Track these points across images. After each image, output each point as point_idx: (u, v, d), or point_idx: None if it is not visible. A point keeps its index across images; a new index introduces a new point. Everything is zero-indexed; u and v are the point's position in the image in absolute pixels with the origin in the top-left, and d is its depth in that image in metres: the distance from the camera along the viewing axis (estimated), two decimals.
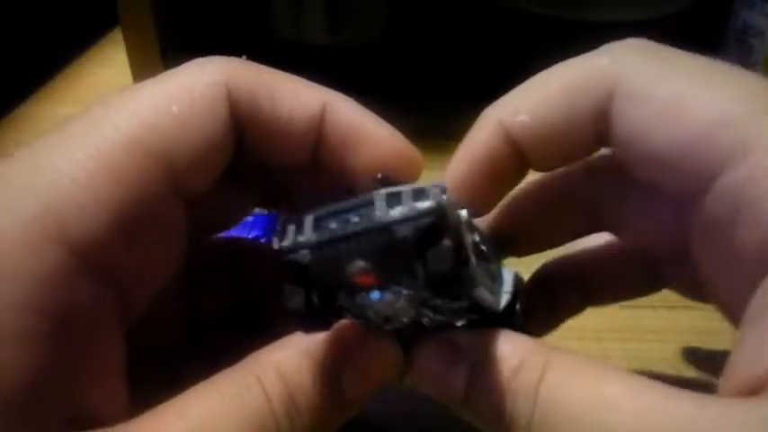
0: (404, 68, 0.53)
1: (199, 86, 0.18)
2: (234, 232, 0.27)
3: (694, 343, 0.30)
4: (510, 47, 0.49)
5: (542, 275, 0.24)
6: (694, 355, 0.29)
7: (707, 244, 0.18)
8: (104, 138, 0.16)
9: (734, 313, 0.18)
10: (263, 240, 0.25)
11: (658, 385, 0.15)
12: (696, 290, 0.21)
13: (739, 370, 0.15)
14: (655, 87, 0.18)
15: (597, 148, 0.20)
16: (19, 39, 0.54)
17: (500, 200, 0.21)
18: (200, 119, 0.18)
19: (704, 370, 0.29)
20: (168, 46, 0.47)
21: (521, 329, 0.18)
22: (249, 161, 0.20)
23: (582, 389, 0.15)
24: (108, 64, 0.56)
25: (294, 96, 0.19)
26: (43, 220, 0.15)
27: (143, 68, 0.47)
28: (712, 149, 0.16)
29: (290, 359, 0.17)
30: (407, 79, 0.52)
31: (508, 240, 0.22)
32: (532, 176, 0.22)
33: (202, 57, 0.20)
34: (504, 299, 0.19)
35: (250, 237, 0.32)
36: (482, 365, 0.17)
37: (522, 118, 0.19)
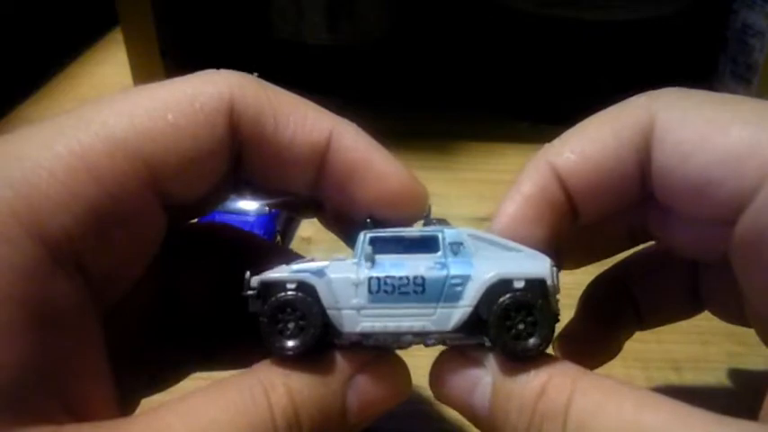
0: (403, 68, 0.53)
1: (201, 97, 0.18)
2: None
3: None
4: (510, 47, 0.49)
5: (593, 296, 0.24)
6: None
7: (745, 262, 0.18)
8: (89, 134, 0.16)
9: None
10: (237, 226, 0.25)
11: (701, 413, 0.15)
12: (734, 311, 0.21)
13: None
14: (689, 116, 0.18)
15: (639, 193, 0.19)
16: (19, 39, 0.54)
17: (550, 241, 0.20)
18: (194, 130, 0.17)
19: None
20: (168, 46, 0.47)
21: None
22: (245, 177, 0.19)
23: (619, 416, 0.15)
24: (108, 64, 0.56)
25: (300, 121, 0.19)
26: (19, 213, 0.15)
27: (143, 68, 0.47)
28: (746, 169, 0.17)
29: (298, 377, 0.17)
30: (407, 79, 0.52)
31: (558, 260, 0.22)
32: None
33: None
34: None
35: None
36: (506, 385, 0.17)
37: (568, 155, 0.19)
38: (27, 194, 0.15)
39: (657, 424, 0.15)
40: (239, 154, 0.18)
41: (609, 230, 0.22)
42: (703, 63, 0.51)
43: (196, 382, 0.24)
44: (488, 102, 0.50)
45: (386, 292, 0.18)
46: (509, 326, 0.17)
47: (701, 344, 0.31)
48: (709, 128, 0.18)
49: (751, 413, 0.16)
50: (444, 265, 0.18)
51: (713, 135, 0.18)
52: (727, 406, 0.21)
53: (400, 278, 0.18)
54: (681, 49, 0.49)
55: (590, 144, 0.19)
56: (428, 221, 0.20)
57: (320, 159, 0.19)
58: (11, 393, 0.14)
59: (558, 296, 0.18)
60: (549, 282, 0.18)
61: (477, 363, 0.18)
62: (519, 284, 0.18)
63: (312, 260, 0.19)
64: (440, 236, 0.19)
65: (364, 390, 0.18)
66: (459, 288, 0.18)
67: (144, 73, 0.46)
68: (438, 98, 0.51)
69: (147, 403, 0.22)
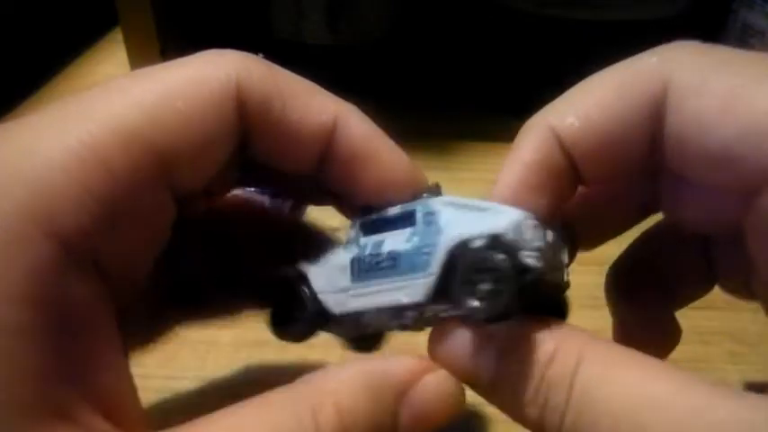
0: (404, 69, 0.53)
1: (209, 82, 0.17)
2: None
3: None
4: (510, 47, 0.49)
5: (620, 280, 0.23)
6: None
7: (761, 243, 0.17)
8: (100, 126, 0.16)
9: None
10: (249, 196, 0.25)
11: (706, 385, 0.14)
12: (746, 288, 0.20)
13: None
14: (708, 81, 0.16)
15: (647, 158, 0.18)
16: (19, 39, 0.54)
17: (551, 215, 0.19)
18: (204, 118, 0.17)
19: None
20: (168, 46, 0.47)
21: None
22: (251, 159, 0.19)
23: (624, 385, 0.15)
24: (108, 63, 0.56)
25: (307, 104, 0.18)
26: (34, 212, 0.15)
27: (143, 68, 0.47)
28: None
29: (349, 390, 0.16)
30: (407, 79, 0.52)
31: (572, 234, 0.21)
32: None
33: (205, 51, 0.19)
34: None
35: None
36: (512, 350, 0.16)
37: (572, 121, 0.18)
38: (41, 193, 0.15)
39: (661, 394, 0.14)
40: (245, 135, 0.18)
41: (620, 205, 0.21)
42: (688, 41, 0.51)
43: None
44: (488, 102, 0.50)
45: (366, 271, 0.18)
46: (472, 290, 0.16)
47: (701, 344, 0.31)
48: (732, 95, 0.16)
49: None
50: (413, 236, 0.18)
51: (736, 104, 0.16)
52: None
53: (376, 255, 0.18)
54: None
55: (595, 109, 0.18)
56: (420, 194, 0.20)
57: (326, 142, 0.19)
58: (37, 400, 0.14)
59: (549, 256, 0.17)
60: (508, 236, 0.16)
61: (484, 329, 0.17)
62: (479, 243, 0.17)
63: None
64: (417, 208, 0.19)
65: (419, 406, 0.17)
66: (426, 257, 0.17)
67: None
68: (438, 98, 0.51)
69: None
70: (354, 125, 0.19)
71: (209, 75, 0.17)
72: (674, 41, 0.18)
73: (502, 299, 0.16)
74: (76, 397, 0.15)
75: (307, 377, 0.17)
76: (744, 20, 0.48)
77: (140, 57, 0.47)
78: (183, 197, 0.18)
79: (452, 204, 0.18)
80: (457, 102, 0.51)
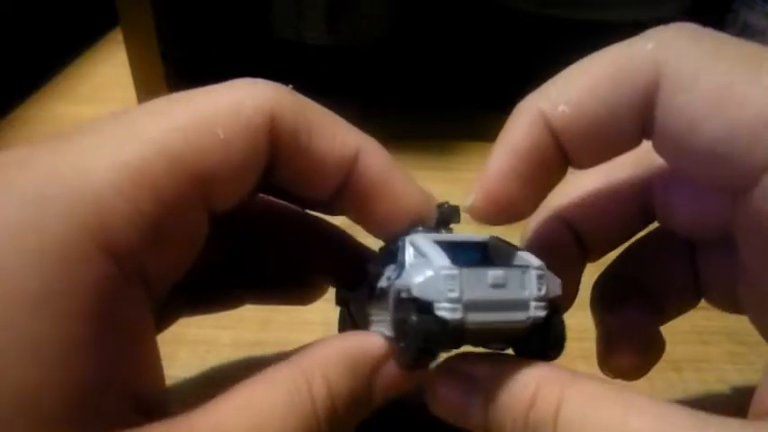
0: (404, 69, 0.53)
1: (246, 112, 0.18)
2: None
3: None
4: (510, 47, 0.49)
5: (606, 293, 0.24)
6: None
7: (751, 243, 0.18)
8: (149, 150, 0.17)
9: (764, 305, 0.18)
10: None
11: (687, 414, 0.15)
12: (733, 301, 0.21)
13: None
14: (700, 75, 0.16)
15: (638, 143, 0.19)
16: (19, 39, 0.54)
17: (541, 198, 0.20)
18: (241, 145, 0.18)
19: None
20: (168, 46, 0.47)
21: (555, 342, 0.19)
22: (273, 182, 0.20)
23: (606, 423, 0.15)
24: (108, 63, 0.56)
25: (332, 136, 0.20)
26: (93, 230, 0.16)
27: (143, 68, 0.47)
28: (763, 143, 0.15)
29: (335, 367, 0.18)
30: (408, 80, 0.52)
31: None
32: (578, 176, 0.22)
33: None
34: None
35: None
36: (498, 397, 0.17)
37: (563, 108, 0.18)
38: (98, 212, 0.16)
39: (644, 427, 0.15)
40: (272, 161, 0.19)
41: (621, 212, 0.22)
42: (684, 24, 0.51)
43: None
44: (488, 102, 0.50)
45: (376, 299, 0.20)
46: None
47: (701, 344, 0.31)
48: (723, 92, 0.16)
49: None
50: (393, 273, 0.19)
51: (727, 101, 0.16)
52: (727, 406, 0.21)
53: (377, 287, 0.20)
54: None
55: (587, 96, 0.18)
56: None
57: (346, 172, 0.20)
58: (93, 405, 0.15)
59: (449, 305, 0.17)
60: (417, 290, 0.17)
61: (469, 377, 0.18)
62: (403, 295, 0.18)
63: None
64: (398, 245, 0.20)
65: (391, 376, 0.19)
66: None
67: (144, 73, 0.46)
68: (438, 98, 0.51)
69: None
70: (374, 159, 0.20)
71: (246, 104, 0.18)
72: (671, 24, 0.18)
73: (408, 350, 0.18)
74: (124, 398, 0.16)
75: (293, 356, 0.18)
76: (744, 20, 0.48)
77: (140, 57, 0.47)
78: (215, 214, 0.19)
79: (426, 243, 0.19)
80: (457, 102, 0.51)
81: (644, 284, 0.23)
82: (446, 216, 0.21)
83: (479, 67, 0.52)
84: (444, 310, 0.17)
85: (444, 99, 0.51)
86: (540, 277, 0.18)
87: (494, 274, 0.18)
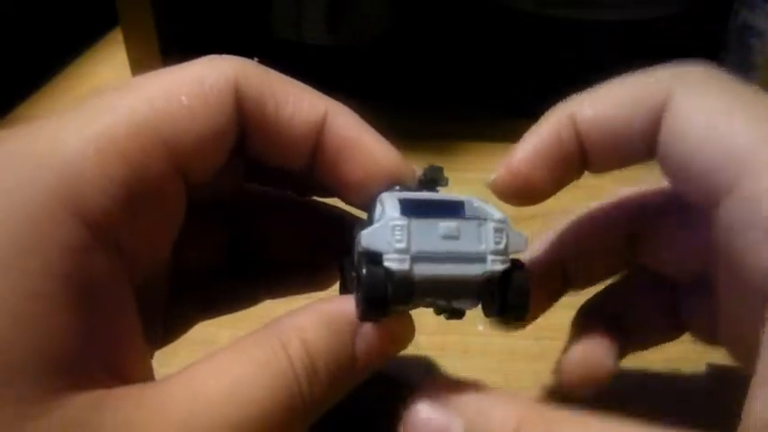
0: (404, 69, 0.53)
1: (209, 80, 0.19)
2: None
3: None
4: (510, 47, 0.49)
5: (582, 325, 0.24)
6: None
7: (722, 266, 0.19)
8: (115, 119, 0.17)
9: (743, 350, 0.18)
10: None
11: None
12: (712, 332, 0.22)
13: (760, 414, 0.15)
14: (703, 102, 0.19)
15: (647, 157, 0.21)
16: (19, 39, 0.54)
17: (557, 189, 0.22)
18: (207, 110, 0.19)
19: None
20: (168, 46, 0.47)
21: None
22: (247, 158, 0.21)
23: None
24: (108, 64, 0.56)
25: (298, 102, 0.20)
26: (61, 194, 0.16)
27: (143, 68, 0.47)
28: (733, 164, 0.18)
29: (311, 326, 0.18)
30: (407, 79, 0.52)
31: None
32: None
33: (204, 56, 0.20)
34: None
35: None
36: (478, 429, 0.17)
37: (588, 111, 0.21)
38: (67, 178, 0.16)
39: None
40: (243, 133, 0.20)
41: (606, 251, 0.23)
42: (704, 63, 0.51)
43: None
44: (488, 102, 0.50)
45: None
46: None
47: (701, 343, 0.31)
48: (718, 117, 0.18)
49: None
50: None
51: (717, 124, 0.18)
52: (726, 406, 0.21)
53: None
54: (681, 49, 0.49)
55: (609, 105, 0.21)
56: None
57: (316, 137, 0.20)
58: (63, 360, 0.16)
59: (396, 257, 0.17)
60: (363, 241, 0.18)
61: (448, 409, 0.18)
62: (358, 248, 0.18)
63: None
64: (377, 199, 0.20)
65: (371, 338, 0.19)
66: None
67: (144, 73, 0.46)
68: (438, 98, 0.51)
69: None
70: (342, 120, 0.21)
71: (209, 74, 0.19)
72: (691, 62, 0.21)
73: (359, 301, 0.18)
74: (98, 362, 0.17)
75: (273, 321, 0.19)
76: (744, 20, 0.48)
77: (140, 57, 0.47)
78: (195, 186, 0.19)
79: (390, 199, 0.19)
80: (457, 102, 0.51)
81: (624, 319, 0.24)
82: (431, 176, 0.21)
83: (479, 66, 0.52)
84: (391, 261, 0.17)
85: (444, 99, 0.51)
86: (498, 230, 0.18)
87: (446, 225, 0.18)
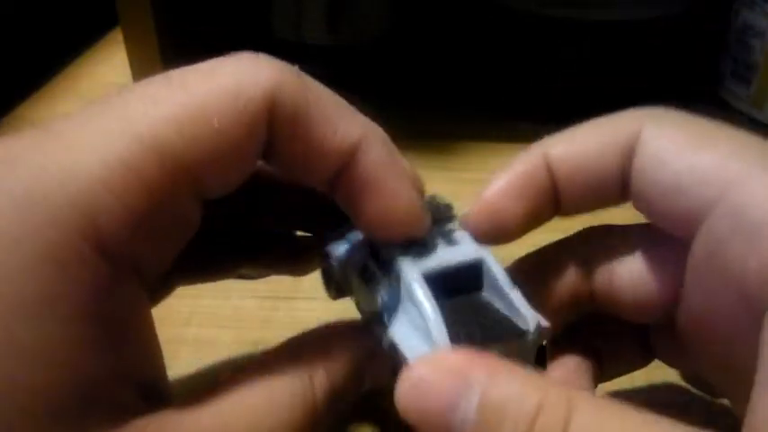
0: (404, 69, 0.53)
1: (246, 95, 0.17)
2: None
3: None
4: (510, 47, 0.49)
5: (558, 350, 0.24)
6: None
7: (703, 280, 0.19)
8: (139, 144, 0.16)
9: (730, 362, 0.18)
10: None
11: None
12: (682, 357, 0.23)
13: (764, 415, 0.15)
14: (673, 131, 0.20)
15: (619, 199, 0.21)
16: (19, 39, 0.54)
17: (529, 226, 0.22)
18: (238, 134, 0.17)
19: None
20: (168, 46, 0.47)
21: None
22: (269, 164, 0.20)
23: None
24: (108, 64, 0.56)
25: (332, 124, 0.19)
26: (85, 230, 0.15)
27: (143, 68, 0.47)
28: (713, 182, 0.18)
29: (335, 361, 0.19)
30: (407, 80, 0.52)
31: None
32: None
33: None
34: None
35: None
36: (498, 402, 0.15)
37: (560, 147, 0.21)
38: (89, 213, 0.16)
39: None
40: (269, 146, 0.19)
41: (554, 301, 0.23)
42: (704, 63, 0.51)
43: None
44: (488, 102, 0.50)
45: None
46: None
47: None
48: (691, 141, 0.19)
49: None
50: (384, 308, 0.21)
51: (693, 147, 0.19)
52: (727, 405, 0.21)
53: None
54: (681, 49, 0.49)
55: (581, 139, 0.21)
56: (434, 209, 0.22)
57: (345, 162, 0.19)
58: (100, 400, 0.16)
59: None
60: (408, 363, 0.18)
61: (460, 375, 0.15)
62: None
63: None
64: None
65: (379, 365, 0.20)
66: None
67: (144, 73, 0.46)
68: (438, 98, 0.51)
69: None
70: (374, 155, 0.19)
71: (246, 88, 0.17)
72: (658, 107, 0.21)
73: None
74: (132, 390, 0.17)
75: (293, 348, 0.20)
76: (744, 20, 0.48)
77: (140, 57, 0.47)
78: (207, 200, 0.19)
79: (422, 294, 0.19)
80: (457, 102, 0.51)
81: (597, 345, 0.24)
82: (439, 216, 0.21)
83: (479, 66, 0.52)
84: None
85: (444, 99, 0.51)
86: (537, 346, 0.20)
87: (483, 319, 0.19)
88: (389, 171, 0.19)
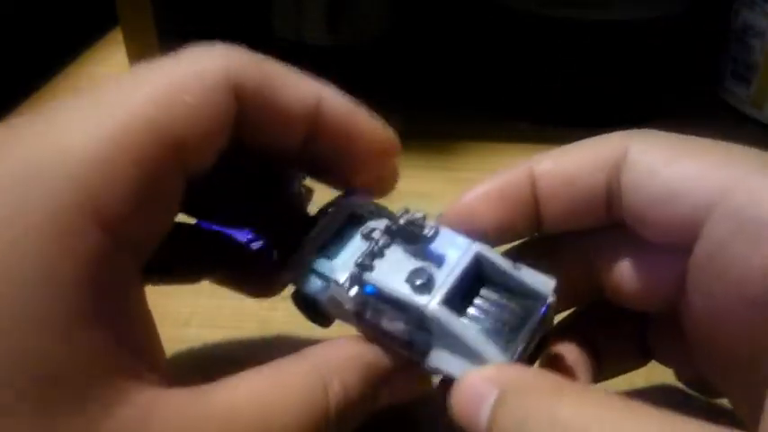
0: (404, 69, 0.53)
1: (209, 75, 0.19)
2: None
3: None
4: (510, 47, 0.49)
5: (556, 347, 0.24)
6: None
7: (704, 283, 0.19)
8: (125, 122, 0.17)
9: (731, 362, 0.19)
10: None
11: (662, 414, 0.15)
12: (680, 358, 0.23)
13: None
14: (661, 144, 0.20)
15: (602, 218, 0.21)
16: (19, 38, 0.54)
17: (502, 238, 0.22)
18: (210, 108, 0.19)
19: None
20: (168, 46, 0.47)
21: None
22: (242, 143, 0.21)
23: (583, 411, 0.16)
24: (108, 63, 0.56)
25: (293, 87, 0.21)
26: (82, 204, 0.16)
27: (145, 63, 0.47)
28: (707, 188, 0.18)
29: (351, 373, 0.20)
30: (408, 80, 0.52)
31: None
32: None
33: (197, 44, 0.21)
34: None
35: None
36: (508, 399, 0.17)
37: (546, 162, 0.22)
38: (85, 186, 0.16)
39: (606, 415, 0.15)
40: (239, 119, 0.20)
41: (569, 283, 0.23)
42: (704, 63, 0.51)
43: None
44: (488, 102, 0.50)
45: None
46: None
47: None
48: (680, 152, 0.20)
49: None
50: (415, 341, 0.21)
51: (679, 158, 0.19)
52: (727, 405, 0.21)
53: None
54: (681, 49, 0.49)
55: (567, 157, 0.22)
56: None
57: (311, 121, 0.21)
58: (109, 362, 0.16)
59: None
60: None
61: (489, 380, 0.18)
62: None
63: None
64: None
65: (397, 387, 0.21)
66: None
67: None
68: (438, 98, 0.51)
69: None
70: (336, 102, 0.21)
71: (208, 68, 0.19)
72: (644, 128, 0.21)
73: None
74: (131, 358, 0.17)
75: (310, 353, 0.20)
76: (744, 20, 0.48)
77: (140, 57, 0.47)
78: (191, 176, 0.20)
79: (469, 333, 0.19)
80: (457, 102, 0.51)
81: (595, 343, 0.24)
82: (412, 231, 0.21)
83: (479, 66, 0.52)
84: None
85: (444, 99, 0.51)
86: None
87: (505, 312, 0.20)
88: (356, 114, 0.22)
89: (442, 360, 0.19)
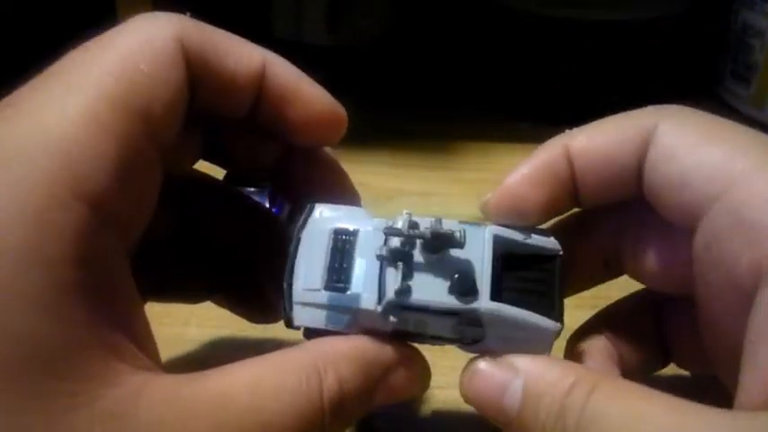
0: (404, 69, 0.53)
1: (158, 43, 0.19)
2: None
3: None
4: (511, 47, 0.49)
5: (576, 349, 0.25)
6: None
7: (703, 270, 0.20)
8: (91, 98, 0.18)
9: (727, 350, 0.19)
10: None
11: (696, 406, 0.16)
12: (700, 360, 0.23)
13: (759, 383, 0.17)
14: (686, 127, 0.21)
15: (635, 190, 0.21)
16: (19, 38, 0.54)
17: (549, 213, 0.22)
18: (165, 74, 0.19)
19: None
20: None
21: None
22: (195, 111, 0.21)
23: (625, 406, 0.17)
24: None
25: (238, 52, 0.21)
26: (64, 179, 0.16)
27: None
28: (713, 180, 0.19)
29: (347, 366, 0.19)
30: (407, 79, 0.52)
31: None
32: None
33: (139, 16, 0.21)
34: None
35: None
36: (537, 384, 0.19)
37: (580, 138, 0.22)
38: (66, 163, 0.17)
39: (653, 411, 0.16)
40: (191, 87, 0.20)
41: (586, 260, 0.24)
42: (704, 63, 0.51)
43: None
44: (488, 102, 0.50)
45: None
46: None
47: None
48: (698, 139, 0.20)
49: None
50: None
51: (699, 146, 0.20)
52: (728, 404, 0.21)
53: None
54: (681, 49, 0.49)
55: (601, 133, 0.22)
56: None
57: (258, 84, 0.21)
58: (92, 339, 0.16)
59: None
60: None
61: (509, 367, 0.19)
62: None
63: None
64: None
65: (394, 384, 0.20)
66: None
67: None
68: (438, 98, 0.51)
69: None
70: (281, 68, 0.22)
71: (158, 36, 0.20)
72: (670, 105, 0.22)
73: None
74: (121, 338, 0.17)
75: (308, 344, 0.20)
76: (744, 20, 0.48)
77: None
78: (162, 149, 0.20)
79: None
80: (457, 102, 0.51)
81: (610, 348, 0.24)
82: (441, 242, 0.20)
83: (479, 66, 0.52)
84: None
85: (444, 99, 0.51)
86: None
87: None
88: (301, 80, 0.22)
89: (498, 343, 0.20)
